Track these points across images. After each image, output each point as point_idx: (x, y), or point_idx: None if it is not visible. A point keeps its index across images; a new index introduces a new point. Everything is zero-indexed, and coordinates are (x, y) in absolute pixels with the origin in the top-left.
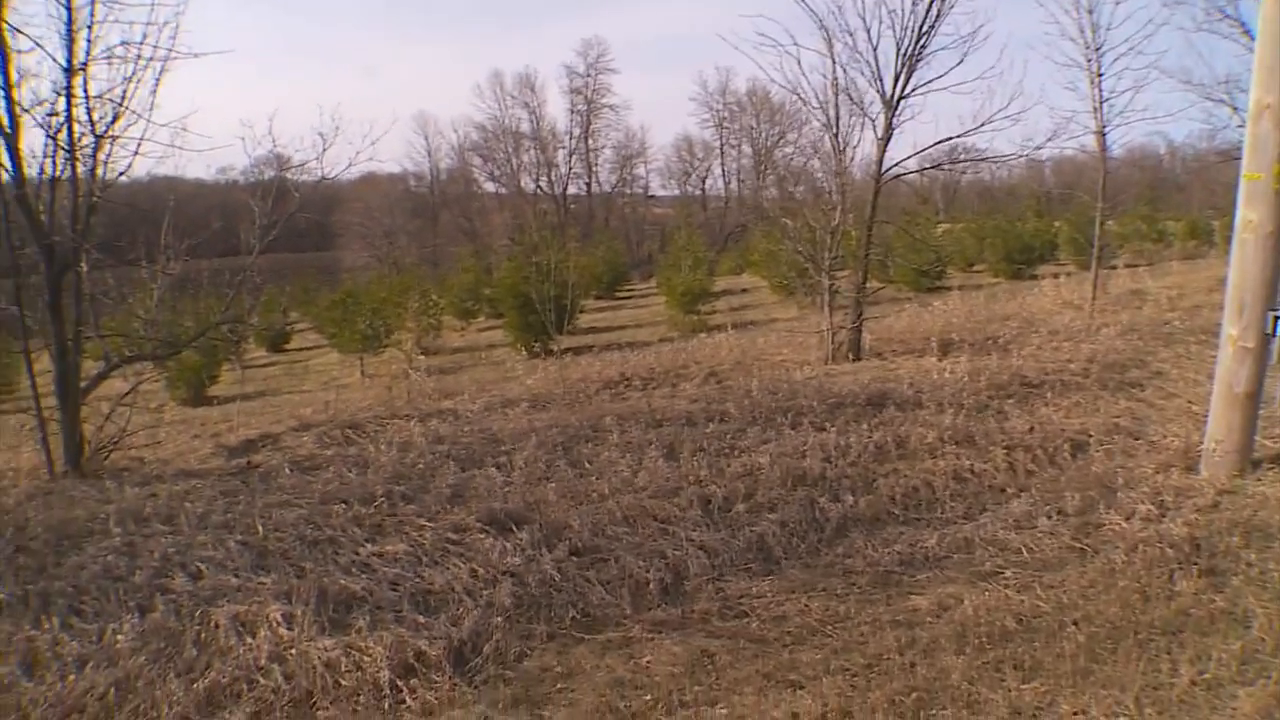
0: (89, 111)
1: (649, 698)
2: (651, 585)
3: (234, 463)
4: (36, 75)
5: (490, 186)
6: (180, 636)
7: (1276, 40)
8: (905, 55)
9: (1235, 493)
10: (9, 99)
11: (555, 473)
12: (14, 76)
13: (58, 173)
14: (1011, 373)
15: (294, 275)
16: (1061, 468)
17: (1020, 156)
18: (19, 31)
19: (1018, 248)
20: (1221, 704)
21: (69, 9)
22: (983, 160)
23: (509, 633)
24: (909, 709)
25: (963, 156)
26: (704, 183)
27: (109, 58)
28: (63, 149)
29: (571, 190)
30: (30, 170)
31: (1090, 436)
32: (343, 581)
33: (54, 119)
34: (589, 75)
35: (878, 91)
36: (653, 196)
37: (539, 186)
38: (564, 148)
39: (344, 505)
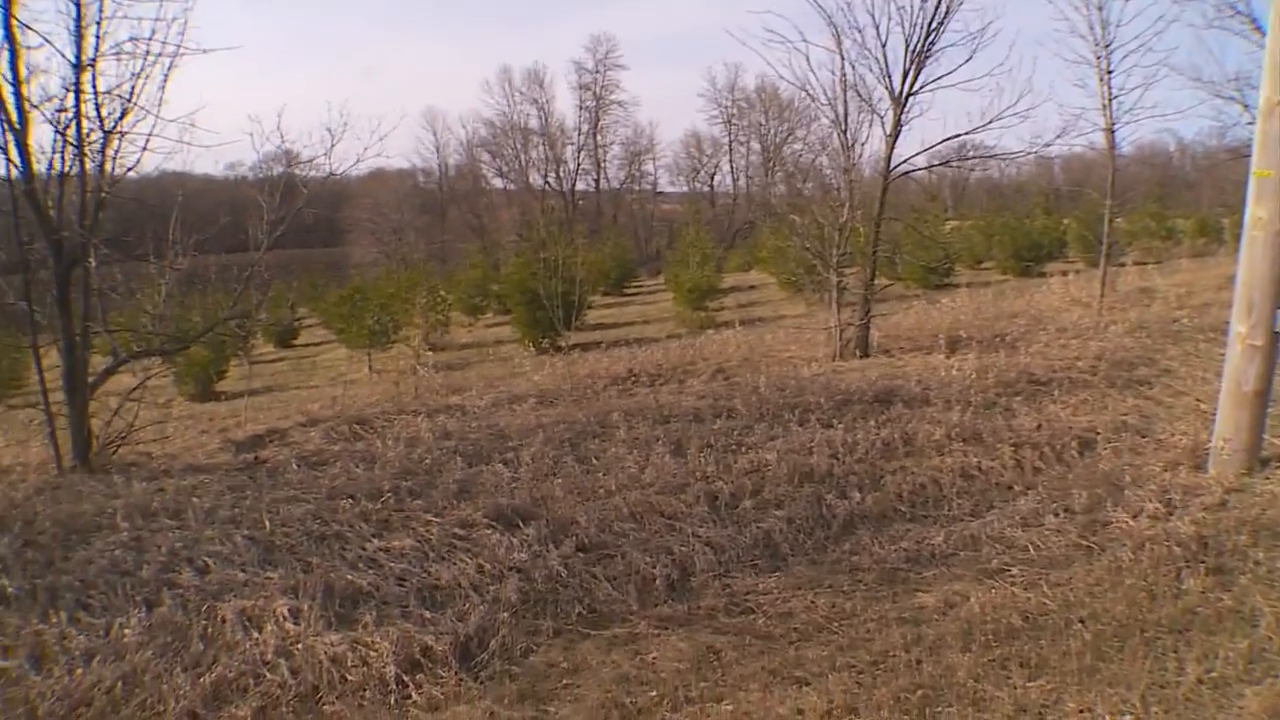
0: (98, 107)
1: (655, 694)
2: (658, 581)
3: (241, 458)
4: (46, 71)
5: (499, 182)
6: (187, 631)
7: None
8: (914, 52)
9: (1243, 491)
10: (18, 95)
11: (562, 469)
12: (23, 72)
13: (66, 168)
14: (1019, 370)
15: (302, 271)
16: (1069, 465)
17: (1029, 154)
18: (28, 27)
19: (1026, 245)
20: (1228, 703)
21: (78, 5)
22: (991, 157)
23: (515, 628)
24: (915, 706)
25: (971, 154)
26: (712, 179)
27: (118, 54)
28: (71, 145)
29: (580, 186)
30: (39, 166)
31: (1098, 434)
32: (349, 577)
33: (63, 115)
34: (598, 71)
35: (886, 88)
36: (661, 193)
37: (547, 183)
38: (572, 144)
39: (351, 500)
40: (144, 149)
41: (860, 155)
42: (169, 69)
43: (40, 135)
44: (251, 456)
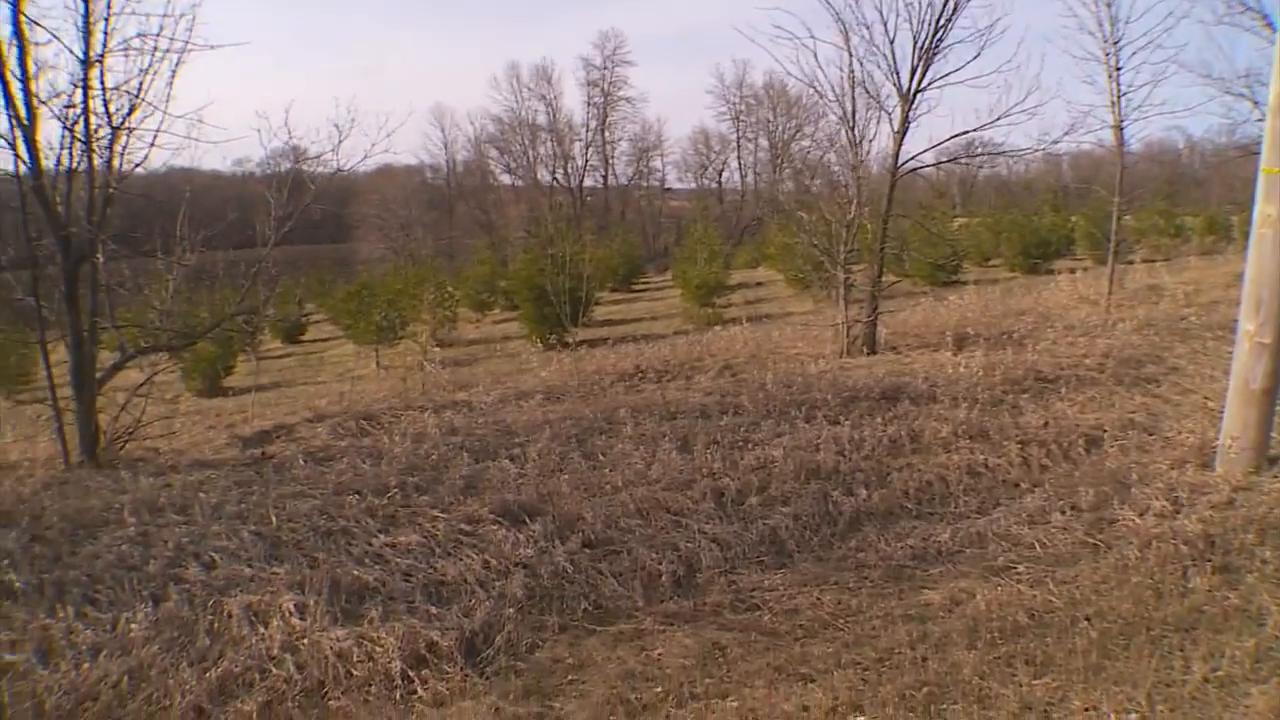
0: (105, 103)
1: (660, 690)
2: (664, 577)
3: (248, 453)
4: (54, 67)
5: (506, 179)
6: (193, 626)
7: None
8: (922, 49)
9: (1250, 489)
10: (26, 91)
11: (569, 465)
12: (32, 68)
13: (74, 164)
14: (1026, 367)
15: (310, 267)
16: (1076, 463)
17: (1037, 150)
18: (37, 24)
19: (1034, 242)
20: (1234, 701)
21: (86, 1)
22: (1000, 154)
23: (521, 624)
24: (920, 703)
25: (979, 150)
26: (720, 176)
27: (126, 50)
28: (79, 141)
29: (588, 183)
30: (47, 162)
31: (1105, 432)
32: (355, 572)
33: (71, 111)
34: (605, 68)
35: (894, 85)
36: (669, 189)
37: (555, 179)
38: (580, 140)
39: (357, 496)
40: (152, 145)
41: (868, 152)
42: (177, 65)
43: (48, 131)
44: (258, 452)
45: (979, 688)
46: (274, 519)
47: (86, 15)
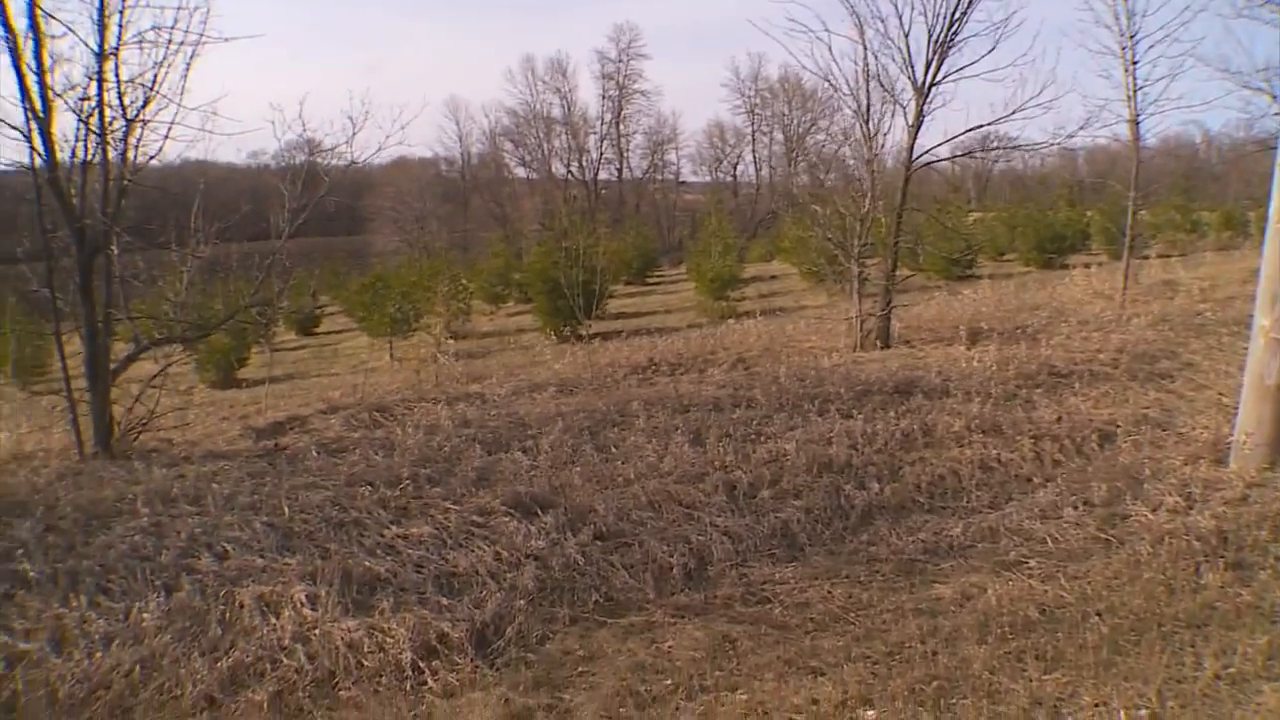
0: (120, 96)
1: (670, 682)
2: (675, 570)
3: (261, 444)
4: (69, 60)
5: (521, 171)
6: (205, 616)
7: None
8: (937, 42)
9: (1264, 486)
10: (42, 83)
11: (581, 457)
12: (47, 61)
13: (89, 157)
14: (1040, 362)
15: (324, 259)
16: (1089, 458)
17: (1052, 145)
18: (52, 17)
19: (1049, 237)
20: (1246, 699)
21: None
22: (1015, 148)
23: (531, 616)
24: (929, 697)
25: (994, 145)
26: (735, 169)
27: (140, 42)
28: (94, 133)
29: (602, 176)
30: (62, 154)
31: (1118, 427)
32: (367, 563)
33: (86, 103)
34: (621, 61)
35: (909, 78)
36: (684, 183)
37: (570, 172)
38: (595, 133)
39: (370, 487)
40: (166, 137)
41: (882, 146)
42: (191, 57)
43: (64, 124)
44: (271, 443)
45: (989, 682)
46: (286, 510)
47: (101, 8)
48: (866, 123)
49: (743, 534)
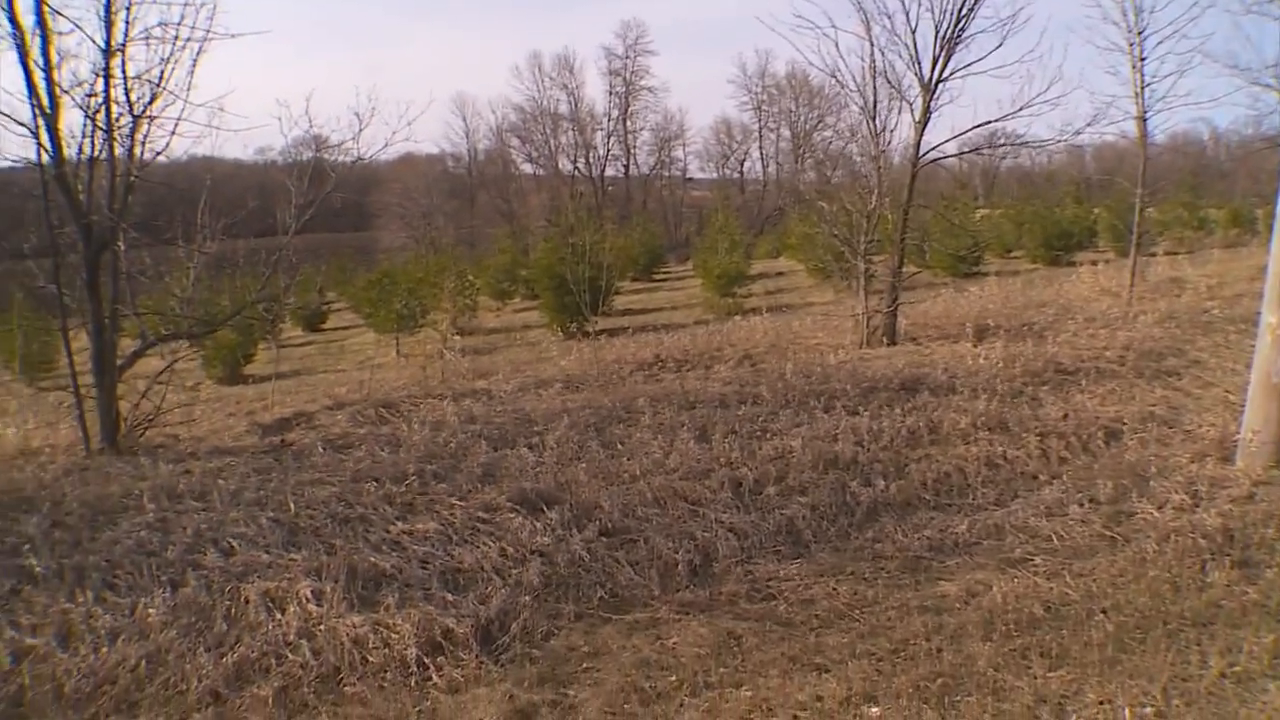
0: (127, 92)
1: (674, 678)
2: (680, 566)
3: (268, 440)
4: (76, 56)
5: (528, 168)
6: (211, 611)
7: None
8: (944, 38)
9: (1271, 484)
10: (49, 80)
11: (587, 453)
12: (54, 58)
13: (96, 153)
14: (1047, 359)
15: (331, 255)
16: (1095, 455)
17: (1059, 141)
18: (59, 13)
19: (1056, 234)
20: (1251, 697)
21: None
22: (1022, 145)
23: (537, 612)
24: (934, 695)
25: (1002, 141)
26: (742, 166)
27: (147, 39)
28: (101, 129)
29: (609, 172)
30: (69, 150)
31: (1125, 425)
32: (373, 559)
33: (93, 99)
34: (627, 57)
35: (916, 75)
36: (691, 179)
37: (577, 168)
38: (602, 130)
39: (376, 483)
40: (173, 133)
41: (889, 142)
42: (198, 54)
43: (71, 120)
44: (278, 439)
45: (993, 680)
46: (292, 506)
47: (108, 4)
48: (873, 119)
49: (748, 530)
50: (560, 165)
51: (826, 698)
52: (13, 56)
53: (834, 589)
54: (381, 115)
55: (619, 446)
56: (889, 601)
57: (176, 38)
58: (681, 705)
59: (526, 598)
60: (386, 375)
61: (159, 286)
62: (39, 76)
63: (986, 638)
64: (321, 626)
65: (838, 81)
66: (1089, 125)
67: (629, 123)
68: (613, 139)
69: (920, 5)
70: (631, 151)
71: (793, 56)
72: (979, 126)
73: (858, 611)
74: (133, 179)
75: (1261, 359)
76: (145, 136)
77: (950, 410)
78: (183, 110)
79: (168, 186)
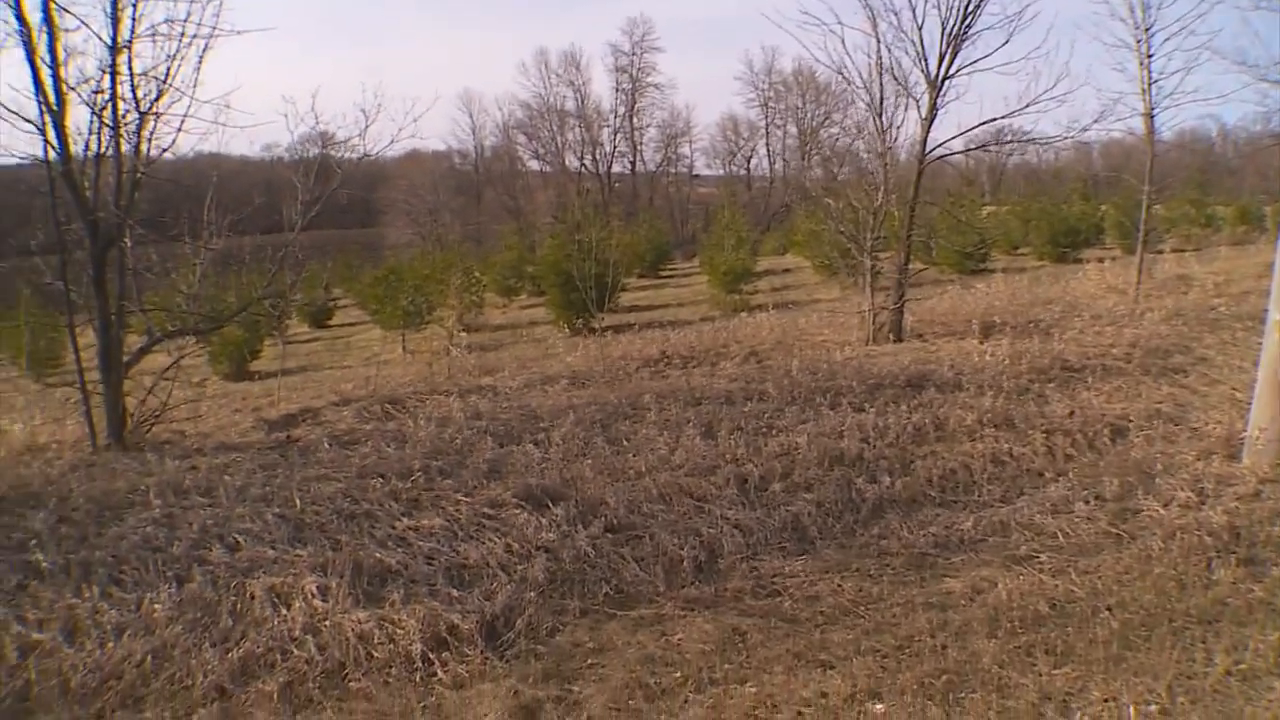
0: (133, 89)
1: (679, 675)
2: (685, 563)
3: (274, 436)
4: (83, 53)
5: (535, 164)
6: (216, 607)
7: None
8: (950, 35)
9: (1278, 481)
10: (56, 77)
11: (593, 450)
12: (61, 55)
13: (103, 149)
14: (1053, 356)
15: (337, 252)
16: (1101, 453)
17: (1066, 138)
18: (66, 10)
19: (1063, 231)
20: (1257, 695)
21: None
22: (1028, 142)
23: (542, 608)
24: (938, 691)
25: (1008, 138)
26: (749, 163)
27: (153, 35)
28: (108, 126)
29: (616, 169)
30: (76, 147)
31: (1131, 422)
32: (378, 555)
33: (99, 96)
34: (634, 54)
35: (922, 71)
36: (697, 176)
37: (583, 165)
38: (609, 126)
39: (381, 479)
40: (179, 130)
41: (896, 139)
42: (204, 51)
43: (77, 117)
44: (284, 435)
45: (998, 677)
46: (298, 502)
47: (115, 1)
48: (880, 116)
49: (753, 527)
50: (567, 162)
51: (831, 694)
52: (20, 54)
53: (839, 585)
54: (387, 112)
55: (625, 443)
56: (894, 598)
57: (183, 34)
58: (686, 701)
59: (532, 594)
60: (393, 371)
61: (165, 283)
62: (46, 73)
63: (991, 635)
64: (327, 622)
65: (844, 78)
66: (1096, 122)
67: (635, 119)
68: (619, 136)
69: (927, 2)
70: (638, 148)
71: (799, 53)
72: (985, 123)
73: (863, 608)
74: (139, 175)
75: (1269, 356)
76: (152, 133)
77: (956, 407)
78: (189, 107)
79: (174, 183)
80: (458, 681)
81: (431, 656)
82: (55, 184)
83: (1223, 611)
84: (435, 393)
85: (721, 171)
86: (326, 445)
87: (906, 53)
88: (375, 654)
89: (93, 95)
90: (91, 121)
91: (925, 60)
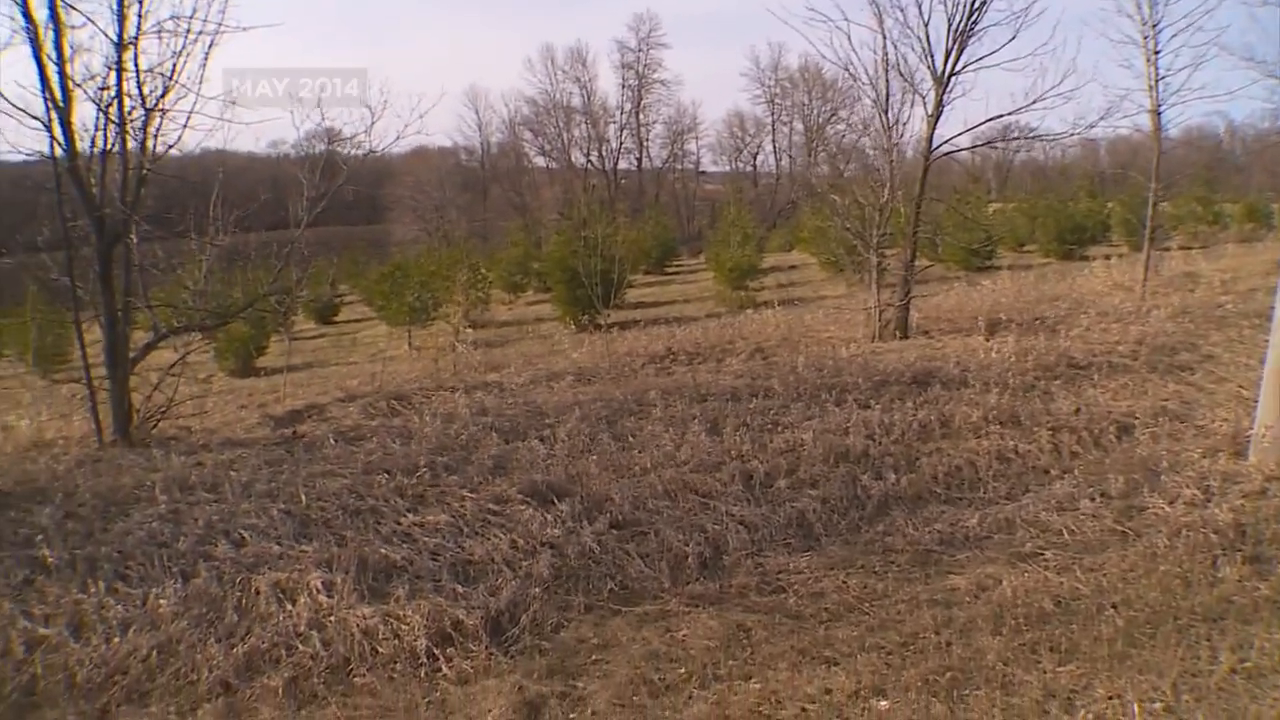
0: (139, 85)
1: (683, 671)
2: (690, 559)
3: (279, 432)
4: (88, 50)
5: (541, 161)
6: (222, 602)
7: None
8: (957, 31)
9: None
10: (62, 73)
11: (598, 446)
12: (67, 51)
13: (109, 146)
14: (1059, 353)
15: (343, 248)
16: (1106, 450)
17: (1072, 135)
18: (72, 7)
19: (1069, 228)
20: (1262, 693)
21: None
22: (1034, 139)
23: (547, 604)
24: (943, 688)
25: (1015, 135)
26: (755, 159)
27: (159, 32)
28: (113, 122)
29: (622, 165)
30: (82, 144)
31: (1137, 419)
32: (383, 551)
33: (105, 93)
34: (640, 50)
35: (928, 68)
36: (703, 172)
37: (589, 161)
38: (615, 123)
39: (387, 475)
40: (185, 126)
41: (902, 135)
42: (210, 47)
43: (83, 113)
44: (289, 431)
45: (1003, 674)
46: (303, 497)
47: None
48: (886, 112)
49: (758, 523)
50: (573, 158)
51: (835, 691)
52: (26, 50)
53: (844, 582)
54: (393, 108)
55: (630, 439)
56: (899, 595)
57: (188, 31)
58: (690, 697)
59: (536, 590)
60: (398, 368)
61: (171, 279)
62: (52, 70)
63: (996, 632)
64: (332, 618)
65: (850, 75)
66: (1103, 119)
67: (642, 116)
68: (625, 132)
69: None
70: (644, 144)
71: (805, 49)
72: (992, 120)
73: (867, 605)
74: (145, 172)
75: (1275, 353)
76: (158, 129)
77: (962, 404)
78: (195, 103)
79: (180, 179)
80: (462, 677)
81: (436, 652)
82: (61, 180)
83: (1228, 609)
84: (441, 389)
85: (728, 168)
86: (332, 441)
87: (913, 49)
88: (380, 649)
89: (99, 92)
90: (98, 118)
91: (931, 57)
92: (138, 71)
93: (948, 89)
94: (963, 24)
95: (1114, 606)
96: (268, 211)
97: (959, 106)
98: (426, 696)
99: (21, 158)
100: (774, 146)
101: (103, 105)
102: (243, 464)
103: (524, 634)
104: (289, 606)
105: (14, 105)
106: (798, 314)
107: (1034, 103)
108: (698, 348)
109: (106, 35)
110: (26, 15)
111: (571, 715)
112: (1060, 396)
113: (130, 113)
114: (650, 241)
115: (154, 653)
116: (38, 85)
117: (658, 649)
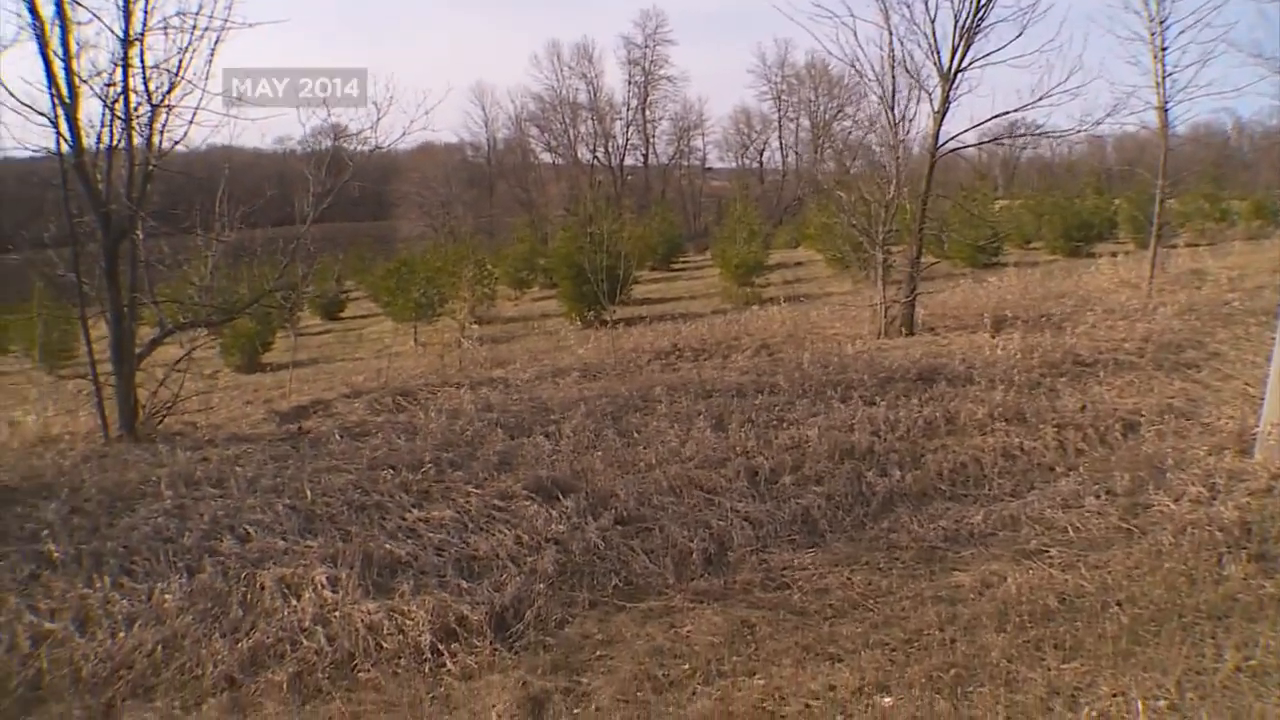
0: (145, 81)
1: (687, 667)
2: (695, 555)
3: (285, 428)
4: (95, 46)
5: (547, 157)
6: (227, 597)
7: None
8: (963, 27)
9: None
10: (68, 70)
11: (603, 442)
12: (73, 47)
13: (115, 142)
14: (1065, 351)
15: (349, 244)
16: (1112, 447)
17: (1078, 132)
18: (78, 3)
19: (1076, 225)
20: (1267, 691)
21: None
22: (1041, 135)
23: (551, 600)
24: (947, 685)
25: (1021, 131)
26: (761, 155)
27: (165, 28)
28: (120, 118)
29: (628, 161)
30: (88, 140)
31: (1142, 417)
32: (388, 546)
33: (111, 89)
34: (647, 46)
35: (935, 64)
36: (710, 169)
37: (596, 157)
38: (621, 119)
39: (392, 471)
40: (191, 122)
41: (908, 132)
42: (216, 43)
43: (89, 109)
44: (295, 427)
45: (1007, 671)
46: (309, 493)
47: None
48: (892, 109)
49: (763, 520)
50: (579, 154)
51: (839, 687)
52: (33, 46)
53: (848, 579)
54: (400, 104)
55: (635, 435)
56: (903, 591)
57: (194, 27)
58: (694, 693)
59: (541, 585)
60: (404, 364)
61: (177, 275)
62: (58, 66)
63: (1000, 629)
64: (337, 613)
65: (857, 71)
66: (1109, 115)
67: (648, 112)
68: (632, 128)
69: None
70: (650, 141)
71: (812, 46)
72: (998, 116)
73: (872, 601)
74: (151, 168)
75: None
76: (164, 125)
77: (967, 401)
78: (201, 99)
79: (186, 175)
80: (466, 672)
81: (441, 647)
82: (68, 177)
83: (1233, 607)
84: (446, 385)
85: (734, 164)
86: (338, 437)
87: (919, 45)
88: (384, 645)
89: (105, 88)
90: (104, 114)
91: (938, 53)
92: (144, 68)
93: (954, 85)
94: (969, 20)
95: (1119, 604)
96: (273, 207)
97: (965, 103)
98: (431, 692)
99: (28, 154)
100: (780, 143)
101: (109, 101)
102: (248, 459)
103: (528, 630)
104: (294, 602)
105: (20, 101)
106: (803, 310)
107: (1040, 99)
108: (703, 344)
109: (112, 31)
110: (33, 11)
111: (575, 711)
112: (1066, 394)
113: (136, 109)
114: (656, 238)
115: (159, 647)
116: (44, 81)
117: (662, 645)
